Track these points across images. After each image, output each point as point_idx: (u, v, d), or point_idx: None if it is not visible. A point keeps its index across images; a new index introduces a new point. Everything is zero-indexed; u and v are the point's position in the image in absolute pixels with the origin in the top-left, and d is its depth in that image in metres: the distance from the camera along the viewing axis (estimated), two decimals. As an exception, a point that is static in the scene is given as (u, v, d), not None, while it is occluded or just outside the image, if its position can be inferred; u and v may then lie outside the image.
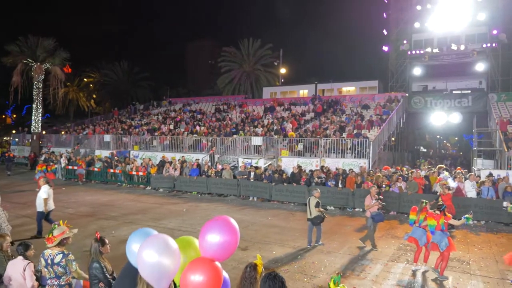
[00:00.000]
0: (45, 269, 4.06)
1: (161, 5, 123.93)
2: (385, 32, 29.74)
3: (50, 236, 4.07)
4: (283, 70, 39.38)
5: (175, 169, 17.65)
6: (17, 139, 30.73)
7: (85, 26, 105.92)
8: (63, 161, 20.63)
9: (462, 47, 25.49)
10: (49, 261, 4.05)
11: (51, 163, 19.84)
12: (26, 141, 29.57)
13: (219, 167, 17.21)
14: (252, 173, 16.00)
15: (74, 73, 41.30)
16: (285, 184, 14.95)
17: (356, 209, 13.55)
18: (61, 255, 4.09)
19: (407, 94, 26.55)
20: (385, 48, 29.49)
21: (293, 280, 6.67)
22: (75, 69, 40.17)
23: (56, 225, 4.18)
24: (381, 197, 9.81)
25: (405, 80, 28.49)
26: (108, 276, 3.92)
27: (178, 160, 18.88)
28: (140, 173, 18.42)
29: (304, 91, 33.04)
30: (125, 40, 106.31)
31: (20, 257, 4.09)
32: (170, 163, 18.37)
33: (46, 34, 28.04)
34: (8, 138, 37.06)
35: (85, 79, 46.32)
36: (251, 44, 38.62)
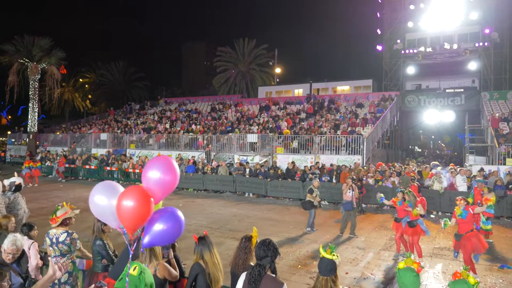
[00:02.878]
0: (50, 248, 4.24)
1: (156, 6, 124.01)
2: (379, 31, 30.04)
3: (53, 217, 4.26)
4: (278, 70, 39.61)
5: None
6: (13, 140, 30.69)
7: (80, 27, 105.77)
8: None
9: (455, 46, 25.82)
10: (54, 240, 4.23)
11: (37, 160, 20.31)
12: (22, 141, 29.57)
13: (215, 163, 17.38)
14: (248, 170, 16.18)
15: (70, 73, 41.23)
16: (280, 179, 15.16)
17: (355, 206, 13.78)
18: (66, 234, 4.28)
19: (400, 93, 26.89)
20: (379, 48, 29.76)
21: (287, 267, 6.88)
22: (71, 69, 40.19)
23: (60, 206, 4.37)
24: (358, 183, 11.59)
25: (399, 79, 28.81)
26: (111, 253, 4.11)
27: (176, 157, 19.03)
28: (137, 171, 18.53)
29: (299, 90, 33.27)
30: (121, 40, 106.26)
31: (25, 237, 4.25)
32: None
33: (41, 34, 28.10)
34: (4, 138, 36.93)
35: (81, 80, 46.23)
36: (246, 44, 38.80)
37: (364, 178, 13.66)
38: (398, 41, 27.67)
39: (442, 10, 26.31)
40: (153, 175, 3.08)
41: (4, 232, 4.34)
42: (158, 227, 2.98)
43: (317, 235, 9.46)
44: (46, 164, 21.15)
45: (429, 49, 26.63)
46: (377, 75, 31.45)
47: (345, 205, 9.52)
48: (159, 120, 28.47)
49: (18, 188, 6.65)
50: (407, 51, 27.27)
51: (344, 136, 18.04)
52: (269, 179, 15.21)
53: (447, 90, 26.49)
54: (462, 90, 26.16)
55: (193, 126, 24.63)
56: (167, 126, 26.17)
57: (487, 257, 7.86)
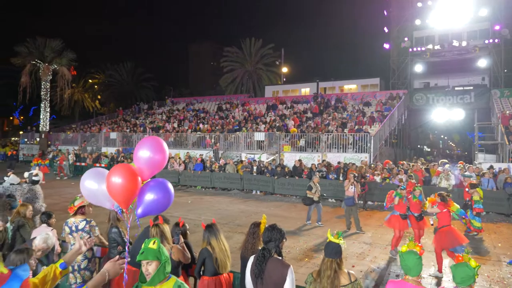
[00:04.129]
0: (70, 236, 4.43)
1: (163, 7, 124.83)
2: (386, 29, 29.90)
3: (71, 206, 4.47)
4: (284, 69, 39.66)
5: (180, 164, 18.02)
6: (26, 139, 31.37)
7: (89, 28, 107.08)
8: (71, 158, 21.16)
9: (464, 43, 25.50)
10: (73, 228, 4.44)
11: (46, 158, 21.01)
12: (34, 140, 30.21)
13: (222, 161, 17.56)
14: (255, 167, 16.32)
15: (79, 74, 41.92)
16: (287, 177, 15.25)
17: (357, 202, 13.81)
18: (85, 221, 4.49)
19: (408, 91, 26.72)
20: (386, 46, 29.61)
21: (295, 260, 6.99)
22: (80, 70, 40.80)
23: (78, 197, 4.56)
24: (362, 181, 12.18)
25: (407, 78, 28.59)
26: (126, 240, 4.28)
27: (185, 155, 19.25)
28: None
29: (306, 90, 33.23)
30: (128, 41, 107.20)
31: (44, 225, 4.46)
32: (174, 159, 18.75)
33: (51, 36, 28.65)
34: (17, 138, 37.70)
35: (90, 80, 46.98)
36: (252, 43, 38.96)
37: (368, 175, 13.67)
38: (406, 39, 27.44)
39: (451, 7, 26.04)
40: (143, 154, 3.30)
41: (23, 220, 4.55)
42: (149, 197, 3.18)
43: (324, 230, 9.54)
44: (58, 163, 21.55)
45: (437, 47, 26.36)
46: (384, 73, 31.32)
47: (347, 200, 9.72)
48: (167, 119, 28.78)
49: (35, 181, 6.89)
50: (414, 49, 27.04)
51: (351, 134, 18.05)
52: (276, 177, 15.33)
53: (456, 88, 26.19)
54: (472, 87, 25.81)
55: (201, 125, 24.86)
56: (175, 125, 26.45)
57: (495, 252, 7.88)
